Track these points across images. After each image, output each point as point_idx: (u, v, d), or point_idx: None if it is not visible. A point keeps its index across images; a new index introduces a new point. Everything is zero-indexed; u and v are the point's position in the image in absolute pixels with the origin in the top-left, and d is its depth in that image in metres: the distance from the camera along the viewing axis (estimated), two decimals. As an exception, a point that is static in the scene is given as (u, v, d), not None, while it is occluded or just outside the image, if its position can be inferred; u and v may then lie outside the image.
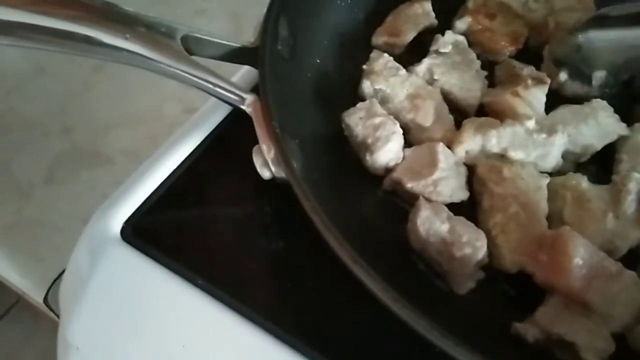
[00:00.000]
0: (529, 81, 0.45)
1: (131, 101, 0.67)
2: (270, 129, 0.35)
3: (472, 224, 0.38)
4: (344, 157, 0.44)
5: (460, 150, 0.42)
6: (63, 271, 0.44)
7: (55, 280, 0.52)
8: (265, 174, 0.37)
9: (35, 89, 0.68)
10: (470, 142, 0.42)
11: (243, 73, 0.46)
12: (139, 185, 0.41)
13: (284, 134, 0.35)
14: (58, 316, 0.55)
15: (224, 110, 0.45)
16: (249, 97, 0.38)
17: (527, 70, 0.47)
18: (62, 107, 0.66)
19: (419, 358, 0.35)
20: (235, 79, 0.45)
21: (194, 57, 0.38)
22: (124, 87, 0.68)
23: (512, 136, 0.41)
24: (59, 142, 0.63)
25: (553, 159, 0.42)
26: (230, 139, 0.45)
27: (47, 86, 0.69)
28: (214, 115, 0.46)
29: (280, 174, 0.36)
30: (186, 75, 0.37)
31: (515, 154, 0.41)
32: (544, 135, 0.42)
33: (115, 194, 0.41)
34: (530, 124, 0.42)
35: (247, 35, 0.42)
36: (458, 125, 0.44)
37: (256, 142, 0.38)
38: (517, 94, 0.45)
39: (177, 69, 0.36)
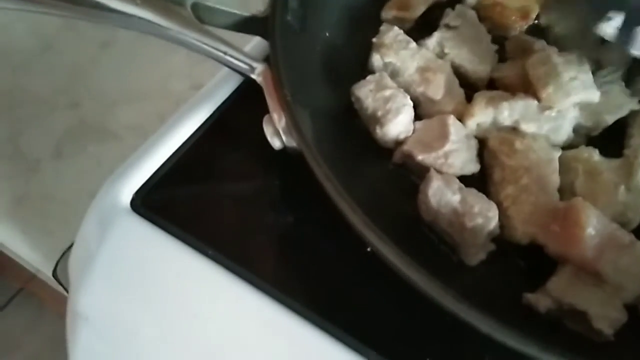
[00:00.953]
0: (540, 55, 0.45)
1: (138, 78, 0.66)
2: (281, 97, 0.34)
3: (484, 195, 0.37)
4: (353, 130, 0.43)
5: (472, 123, 0.41)
6: (71, 244, 0.44)
7: (64, 254, 0.51)
8: (276, 144, 0.37)
9: (42, 65, 0.68)
10: (482, 115, 0.41)
11: (254, 45, 0.45)
12: (149, 157, 0.41)
13: (295, 102, 0.34)
14: (67, 290, 0.55)
15: (233, 84, 0.45)
16: (260, 66, 0.38)
17: (538, 44, 0.46)
18: (69, 83, 0.66)
19: (426, 328, 0.35)
20: (246, 49, 0.45)
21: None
22: (130, 64, 0.68)
23: (524, 109, 0.41)
24: (66, 117, 0.63)
25: (564, 133, 0.42)
26: (239, 112, 0.44)
27: (54, 62, 0.68)
28: (223, 89, 0.45)
29: (291, 142, 0.36)
30: (197, 42, 0.36)
31: (527, 127, 0.40)
32: (554, 112, 0.41)
33: (124, 165, 0.41)
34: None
35: (257, 6, 0.42)
36: (469, 99, 0.44)
37: (265, 114, 0.38)
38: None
39: (188, 36, 0.36)
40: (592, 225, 0.34)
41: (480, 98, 0.42)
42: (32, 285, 1.29)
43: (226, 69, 0.46)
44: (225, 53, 0.37)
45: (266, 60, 0.39)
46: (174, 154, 0.42)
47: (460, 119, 0.42)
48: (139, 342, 0.38)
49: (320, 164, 0.31)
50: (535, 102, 0.41)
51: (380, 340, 0.34)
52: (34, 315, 1.43)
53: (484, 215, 0.35)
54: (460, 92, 0.45)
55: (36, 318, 1.42)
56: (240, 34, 0.42)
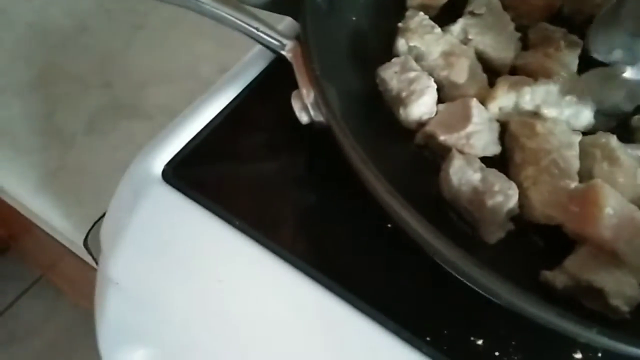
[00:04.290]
0: (562, 43, 0.45)
1: (168, 60, 0.67)
2: (310, 72, 0.34)
3: (504, 175, 0.37)
4: (377, 112, 0.43)
5: (494, 106, 0.41)
6: (102, 215, 0.44)
7: (94, 224, 0.52)
8: (304, 119, 0.37)
9: (77, 46, 0.69)
10: (504, 98, 0.41)
11: (284, 25, 0.45)
12: (181, 131, 0.41)
13: (324, 76, 0.34)
14: (96, 261, 0.56)
15: (261, 64, 0.45)
16: (290, 43, 0.38)
17: (560, 32, 0.46)
18: (102, 63, 0.67)
19: (442, 299, 0.35)
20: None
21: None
22: (161, 47, 0.69)
23: (545, 94, 0.40)
24: (99, 96, 0.64)
25: (585, 119, 0.41)
26: (266, 91, 0.45)
27: (89, 43, 0.69)
28: (251, 69, 0.45)
29: (319, 117, 0.36)
30: (231, 17, 0.36)
31: (548, 112, 0.40)
32: (575, 95, 0.41)
33: (157, 138, 0.41)
34: (563, 83, 0.41)
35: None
36: (491, 84, 0.43)
37: (291, 93, 0.38)
38: (550, 56, 0.44)
39: (223, 11, 0.36)
40: (611, 205, 0.33)
41: (502, 82, 0.41)
42: (51, 274, 1.31)
43: (254, 50, 0.46)
44: (257, 29, 0.37)
45: (296, 39, 0.39)
46: (204, 128, 0.42)
47: (483, 102, 0.42)
48: (166, 305, 0.39)
49: (347, 135, 0.32)
50: (557, 87, 0.40)
51: (400, 312, 0.34)
52: (51, 304, 1.44)
53: (505, 193, 0.35)
54: (483, 77, 0.44)
55: (53, 307, 1.44)
56: (273, 15, 0.42)
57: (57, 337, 1.39)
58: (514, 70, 0.46)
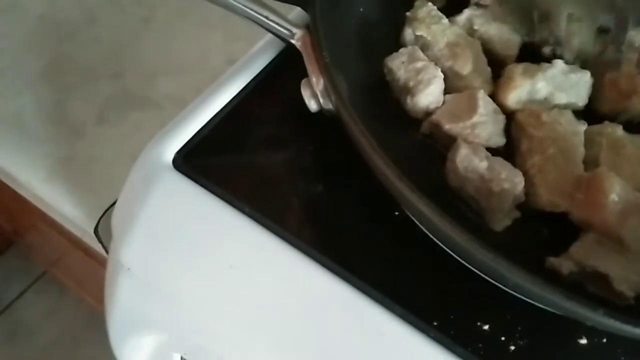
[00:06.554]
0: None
1: (177, 52, 0.67)
2: (320, 59, 0.34)
3: (510, 164, 0.37)
4: (384, 102, 0.43)
5: (514, 96, 0.41)
6: (113, 203, 0.45)
7: (105, 212, 0.52)
8: (313, 106, 0.37)
9: (87, 37, 0.69)
10: (522, 87, 0.41)
11: (294, 15, 0.45)
12: (191, 119, 0.42)
13: (333, 65, 0.34)
14: (106, 250, 0.56)
15: (270, 54, 0.45)
16: (299, 32, 0.38)
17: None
18: (112, 54, 0.67)
19: (451, 284, 0.35)
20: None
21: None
22: (170, 39, 0.69)
23: (553, 79, 0.40)
24: (109, 86, 0.64)
25: (586, 85, 0.41)
26: (276, 81, 0.45)
27: (99, 34, 0.69)
28: (260, 59, 0.45)
29: (328, 105, 0.36)
30: (241, 6, 0.36)
31: (560, 97, 0.40)
32: (577, 74, 0.41)
33: (168, 126, 0.41)
34: (562, 65, 0.41)
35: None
36: (495, 77, 0.43)
37: (300, 82, 0.38)
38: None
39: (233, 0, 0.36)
40: (616, 192, 0.33)
41: (515, 69, 0.41)
42: (55, 269, 1.30)
43: (262, 42, 0.46)
44: (267, 17, 0.37)
45: (306, 28, 0.39)
46: (213, 117, 0.42)
47: (491, 95, 0.42)
48: (177, 291, 0.39)
49: (357, 121, 0.32)
50: (562, 64, 0.40)
51: (407, 297, 0.34)
52: (54, 299, 1.44)
53: (511, 180, 0.35)
54: (487, 70, 0.44)
55: (57, 302, 1.43)
56: (282, 6, 0.42)
57: (61, 332, 1.39)
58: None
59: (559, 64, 0.41)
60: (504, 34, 0.46)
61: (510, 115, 0.41)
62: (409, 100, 0.41)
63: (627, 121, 0.41)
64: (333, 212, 0.39)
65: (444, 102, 0.42)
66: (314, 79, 0.36)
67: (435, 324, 0.33)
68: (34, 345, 1.39)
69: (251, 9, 0.37)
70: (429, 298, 0.35)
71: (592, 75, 0.41)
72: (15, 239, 1.42)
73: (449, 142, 0.40)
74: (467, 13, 0.47)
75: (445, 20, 0.45)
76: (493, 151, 0.39)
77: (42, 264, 1.42)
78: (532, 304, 0.31)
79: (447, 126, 0.40)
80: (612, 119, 0.41)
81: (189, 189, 0.39)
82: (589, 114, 0.42)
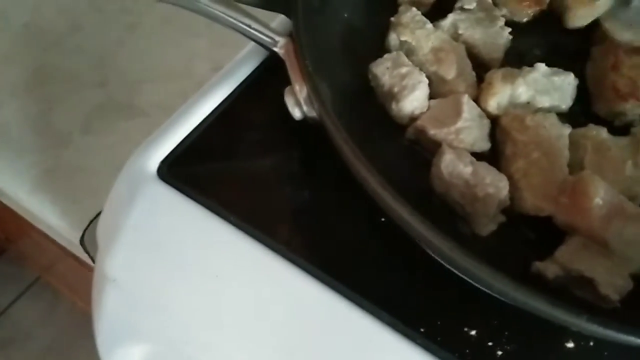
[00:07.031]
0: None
1: (162, 59, 0.67)
2: (303, 67, 0.34)
3: (495, 168, 0.37)
4: (369, 108, 0.43)
5: (493, 102, 0.41)
6: (98, 213, 0.44)
7: (91, 222, 0.52)
8: (297, 114, 0.37)
9: (72, 46, 0.68)
10: (503, 92, 0.41)
11: (277, 22, 0.45)
12: (175, 128, 0.41)
13: (316, 72, 0.34)
14: (92, 259, 0.56)
15: (254, 62, 0.45)
16: (282, 40, 0.38)
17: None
18: (97, 62, 0.66)
19: (438, 290, 0.35)
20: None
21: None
22: (155, 46, 0.68)
23: (534, 83, 0.40)
24: (95, 94, 0.63)
25: (569, 86, 0.42)
26: (260, 89, 0.45)
27: (83, 43, 0.68)
28: (244, 67, 0.45)
29: (311, 112, 0.36)
30: (224, 15, 0.36)
31: (542, 101, 0.40)
32: (560, 76, 0.41)
33: (152, 135, 0.41)
34: (544, 67, 0.41)
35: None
36: (480, 81, 0.43)
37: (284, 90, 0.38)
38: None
39: (216, 9, 0.36)
40: (600, 195, 0.33)
41: (495, 76, 0.41)
42: (48, 275, 1.29)
43: (246, 49, 0.46)
44: (249, 26, 0.37)
45: (289, 36, 0.39)
46: (198, 126, 0.42)
47: (475, 100, 0.42)
48: (164, 301, 0.38)
49: (340, 129, 0.32)
50: (545, 67, 0.41)
51: (394, 304, 0.34)
52: (48, 306, 1.43)
53: (495, 185, 0.35)
54: (472, 74, 0.44)
55: (51, 308, 1.42)
56: (266, 13, 0.42)
57: (54, 339, 1.38)
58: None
59: (541, 67, 0.41)
60: (488, 38, 0.46)
61: (495, 120, 0.41)
62: (394, 106, 0.41)
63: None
64: (320, 220, 0.39)
65: (428, 108, 0.42)
66: (297, 87, 0.36)
67: (422, 330, 0.33)
68: (28, 352, 1.37)
69: (234, 18, 0.37)
70: (415, 304, 0.35)
71: (591, 76, 0.41)
72: (8, 246, 1.41)
73: (434, 147, 0.40)
74: (451, 18, 0.47)
75: (430, 25, 0.45)
76: (478, 156, 0.39)
77: (34, 271, 1.41)
78: (519, 309, 0.31)
79: (432, 131, 0.39)
80: (610, 122, 0.42)
81: (173, 199, 0.39)
82: (578, 116, 0.42)
